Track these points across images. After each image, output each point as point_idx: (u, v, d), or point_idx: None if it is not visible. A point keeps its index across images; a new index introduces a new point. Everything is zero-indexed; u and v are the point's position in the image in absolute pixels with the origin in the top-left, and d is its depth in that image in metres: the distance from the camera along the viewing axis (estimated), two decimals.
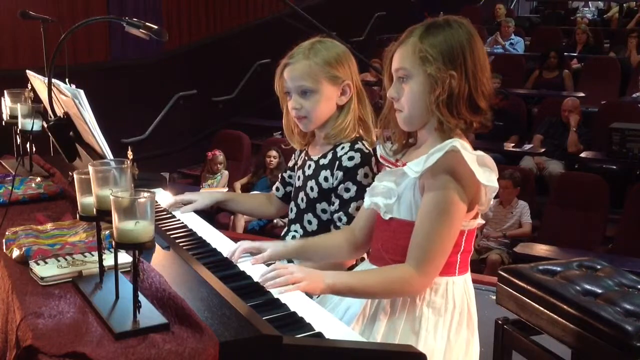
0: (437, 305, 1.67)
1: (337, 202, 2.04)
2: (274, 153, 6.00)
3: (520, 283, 2.39)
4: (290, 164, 2.30)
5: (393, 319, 1.69)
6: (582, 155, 6.12)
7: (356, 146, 2.04)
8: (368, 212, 1.82)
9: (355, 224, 1.90)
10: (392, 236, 1.70)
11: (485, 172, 1.61)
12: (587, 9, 14.69)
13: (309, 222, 2.12)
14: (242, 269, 1.77)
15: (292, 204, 2.19)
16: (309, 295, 1.63)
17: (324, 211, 2.09)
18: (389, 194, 1.71)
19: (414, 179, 1.64)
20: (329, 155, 2.08)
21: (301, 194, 2.14)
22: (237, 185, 6.21)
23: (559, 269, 2.46)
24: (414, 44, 1.65)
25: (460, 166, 1.57)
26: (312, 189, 2.10)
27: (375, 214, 1.78)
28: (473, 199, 1.63)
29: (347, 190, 2.02)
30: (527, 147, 6.46)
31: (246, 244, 1.86)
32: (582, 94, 7.28)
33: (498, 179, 1.67)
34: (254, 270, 1.75)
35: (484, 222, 1.77)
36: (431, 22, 1.69)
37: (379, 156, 1.89)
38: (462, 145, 1.59)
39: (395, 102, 1.70)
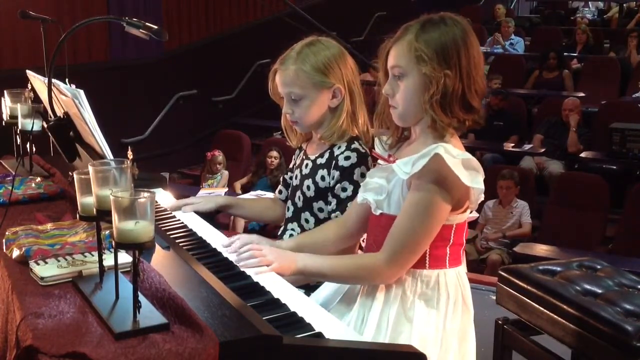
0: (428, 297, 1.70)
1: (334, 201, 2.05)
2: (275, 154, 6.00)
3: (520, 283, 2.39)
4: (292, 165, 2.30)
5: (386, 308, 1.70)
6: (582, 155, 6.12)
7: (352, 146, 2.05)
8: (360, 205, 1.84)
9: (347, 215, 1.95)
10: (382, 231, 1.73)
11: (471, 175, 1.63)
12: (587, 9, 14.69)
13: (306, 221, 2.12)
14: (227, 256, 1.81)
15: (289, 202, 2.20)
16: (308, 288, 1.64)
17: (320, 210, 2.10)
18: (380, 190, 1.75)
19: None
20: (326, 155, 2.09)
21: (298, 193, 2.15)
22: (237, 185, 6.20)
23: (559, 269, 2.46)
24: (409, 42, 1.66)
25: (444, 171, 1.60)
26: (308, 187, 2.11)
27: (368, 207, 1.81)
28: (461, 198, 1.66)
29: (344, 189, 2.02)
30: (527, 147, 6.46)
31: (244, 239, 1.87)
32: (582, 94, 7.28)
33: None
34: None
35: (476, 216, 1.79)
36: (427, 19, 1.69)
37: (372, 151, 1.92)
38: (445, 150, 1.60)
39: (390, 99, 1.73)
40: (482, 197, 1.70)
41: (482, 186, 1.66)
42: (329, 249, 1.97)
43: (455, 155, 1.61)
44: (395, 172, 1.69)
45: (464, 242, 1.76)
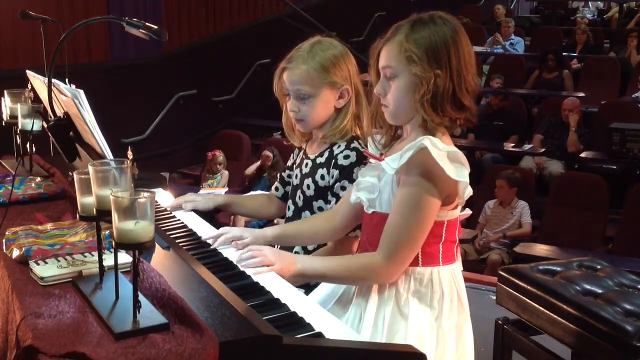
0: (422, 295, 1.70)
1: (333, 200, 2.06)
2: (267, 153, 6.03)
3: (520, 283, 2.39)
4: (289, 163, 2.31)
5: (381, 307, 1.71)
6: (582, 155, 6.12)
7: (352, 145, 2.06)
8: (351, 202, 1.85)
9: (337, 209, 1.96)
10: (375, 229, 1.74)
11: (456, 168, 1.63)
12: (587, 9, 14.69)
13: None
14: (225, 255, 1.83)
15: (290, 202, 2.21)
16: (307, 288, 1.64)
17: (320, 209, 2.11)
18: (372, 188, 1.76)
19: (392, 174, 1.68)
20: (326, 154, 2.10)
21: (298, 192, 2.16)
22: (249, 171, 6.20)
23: (559, 269, 2.46)
24: (400, 42, 1.67)
25: (429, 163, 1.60)
26: (308, 187, 2.11)
27: (359, 205, 1.81)
28: (451, 193, 1.66)
29: (343, 188, 2.03)
30: (527, 147, 6.46)
31: (228, 235, 1.93)
32: (582, 94, 7.28)
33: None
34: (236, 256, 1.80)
35: (469, 213, 1.79)
36: (417, 18, 1.70)
37: (364, 151, 1.93)
38: (431, 142, 1.60)
39: (382, 98, 1.74)
40: (470, 192, 1.70)
41: (467, 180, 1.65)
42: (320, 239, 2.01)
43: (441, 148, 1.61)
44: (384, 169, 1.69)
45: (457, 239, 1.76)
